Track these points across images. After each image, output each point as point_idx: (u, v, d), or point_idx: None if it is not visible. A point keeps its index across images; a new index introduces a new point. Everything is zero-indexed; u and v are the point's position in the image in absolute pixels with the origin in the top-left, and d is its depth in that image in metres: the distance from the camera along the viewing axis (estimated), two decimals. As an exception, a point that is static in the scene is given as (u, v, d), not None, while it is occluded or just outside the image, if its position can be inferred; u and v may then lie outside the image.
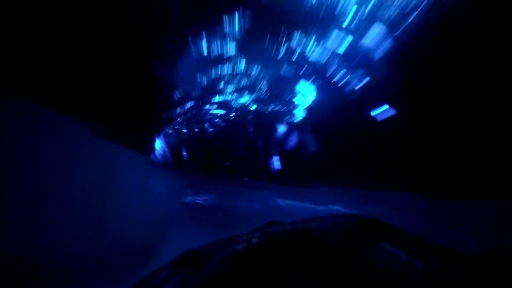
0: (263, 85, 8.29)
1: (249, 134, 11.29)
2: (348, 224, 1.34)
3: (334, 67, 6.66)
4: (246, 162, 12.03)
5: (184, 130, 12.96)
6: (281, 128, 10.12)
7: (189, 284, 1.12)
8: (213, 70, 6.87)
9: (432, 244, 1.19)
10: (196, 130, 12.59)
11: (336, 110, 7.61)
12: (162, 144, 14.35)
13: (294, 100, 8.73)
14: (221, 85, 7.91)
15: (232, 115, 10.68)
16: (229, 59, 6.68)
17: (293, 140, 9.97)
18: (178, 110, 7.80)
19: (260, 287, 1.14)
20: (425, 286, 0.92)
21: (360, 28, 5.43)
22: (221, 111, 10.29)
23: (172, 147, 14.18)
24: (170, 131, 13.29)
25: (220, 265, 1.21)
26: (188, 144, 13.64)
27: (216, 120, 11.37)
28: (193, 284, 1.11)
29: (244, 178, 12.12)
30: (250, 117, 10.50)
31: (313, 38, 6.08)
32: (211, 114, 10.57)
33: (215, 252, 1.32)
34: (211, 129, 12.17)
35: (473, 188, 4.72)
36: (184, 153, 13.87)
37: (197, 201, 11.01)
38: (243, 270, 1.21)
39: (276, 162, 10.96)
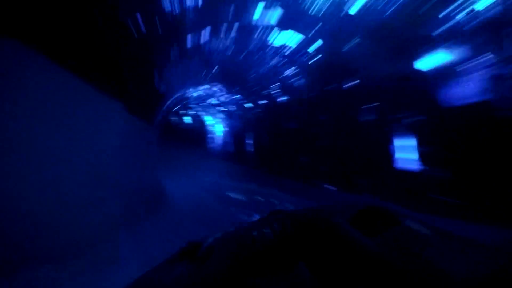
0: None
1: (344, 93, 5.50)
2: (355, 212, 1.35)
3: None
4: (337, 156, 6.10)
5: (248, 105, 8.72)
6: (431, 59, 3.83)
7: (192, 277, 1.07)
8: None
9: (438, 229, 1.28)
10: (263, 102, 8.04)
11: None
12: (225, 128, 10.70)
13: None
14: None
15: (313, 48, 5.40)
16: None
17: (471, 88, 3.45)
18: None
19: (263, 279, 1.12)
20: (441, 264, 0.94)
21: None
22: (288, 38, 5.28)
23: (234, 131, 10.22)
24: (231, 107, 9.43)
25: (224, 257, 1.16)
26: (252, 126, 9.24)
27: (287, 73, 6.37)
28: (197, 277, 1.07)
29: (330, 187, 6.16)
30: (353, 43, 4.84)
31: None
32: (273, 51, 5.74)
33: (219, 243, 1.26)
34: (282, 98, 7.27)
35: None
36: (247, 141, 9.51)
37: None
38: (248, 262, 1.18)
39: (409, 153, 4.53)
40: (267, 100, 7.83)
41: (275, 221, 1.41)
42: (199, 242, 1.25)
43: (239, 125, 9.72)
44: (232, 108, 9.35)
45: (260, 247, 1.25)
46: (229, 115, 9.91)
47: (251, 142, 9.41)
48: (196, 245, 1.22)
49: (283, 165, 8.17)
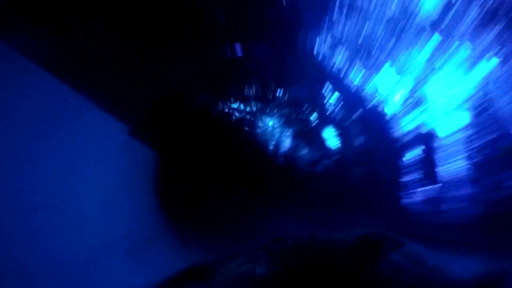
0: None
1: None
2: (354, 240, 1.32)
3: None
4: None
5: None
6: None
7: None
8: None
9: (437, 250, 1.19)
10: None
11: None
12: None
13: None
14: None
15: None
16: None
17: None
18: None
19: None
20: None
21: None
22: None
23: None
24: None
25: (223, 285, 1.20)
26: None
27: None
28: None
29: None
30: None
31: None
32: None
33: (218, 271, 1.29)
34: None
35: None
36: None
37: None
38: None
39: None
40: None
41: (274, 247, 1.40)
42: (198, 268, 1.26)
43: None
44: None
45: (260, 271, 1.26)
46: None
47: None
48: (195, 270, 1.23)
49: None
